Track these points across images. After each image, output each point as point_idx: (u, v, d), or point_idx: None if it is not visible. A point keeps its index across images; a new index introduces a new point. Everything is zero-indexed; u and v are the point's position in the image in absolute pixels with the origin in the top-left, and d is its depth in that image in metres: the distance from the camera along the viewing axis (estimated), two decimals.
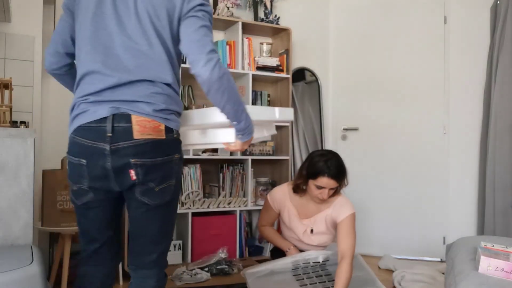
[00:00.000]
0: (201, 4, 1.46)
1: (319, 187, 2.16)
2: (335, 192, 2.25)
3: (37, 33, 2.78)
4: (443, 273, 2.94)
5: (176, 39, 1.49)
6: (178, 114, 1.51)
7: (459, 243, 2.13)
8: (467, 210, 3.67)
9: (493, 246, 1.81)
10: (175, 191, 1.51)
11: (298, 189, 2.28)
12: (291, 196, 2.32)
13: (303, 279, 2.06)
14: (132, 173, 1.40)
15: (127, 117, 1.38)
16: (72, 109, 1.46)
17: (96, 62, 1.42)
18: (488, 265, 1.59)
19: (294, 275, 2.08)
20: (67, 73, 1.60)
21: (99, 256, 1.56)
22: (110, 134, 1.37)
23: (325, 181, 2.14)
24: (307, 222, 2.28)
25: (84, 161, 1.41)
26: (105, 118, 1.38)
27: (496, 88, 3.47)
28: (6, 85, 2.20)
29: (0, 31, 2.68)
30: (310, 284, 2.03)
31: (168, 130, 1.44)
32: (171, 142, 1.46)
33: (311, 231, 2.28)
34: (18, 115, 2.61)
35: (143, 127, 1.39)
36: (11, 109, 2.13)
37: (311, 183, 2.19)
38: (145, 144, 1.39)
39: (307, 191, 2.25)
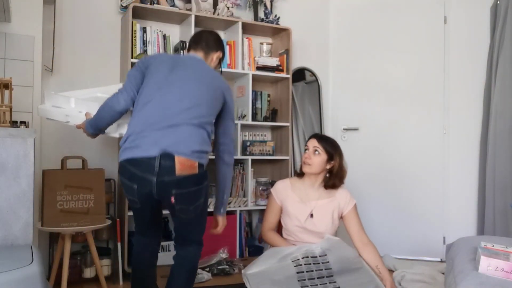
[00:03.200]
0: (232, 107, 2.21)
1: (306, 150, 2.41)
2: (330, 174, 2.38)
3: (37, 33, 2.78)
4: (443, 273, 2.94)
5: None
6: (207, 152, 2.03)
7: (459, 243, 2.13)
8: (467, 210, 3.67)
9: (493, 246, 1.81)
10: (204, 204, 2.04)
11: (300, 172, 2.48)
12: (292, 187, 2.45)
13: (305, 279, 2.05)
14: (172, 199, 1.91)
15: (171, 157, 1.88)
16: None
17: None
18: (488, 265, 1.60)
19: (297, 272, 2.08)
20: None
21: (148, 233, 2.17)
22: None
23: (309, 141, 2.40)
24: (308, 205, 2.38)
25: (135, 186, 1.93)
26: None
27: (496, 88, 3.47)
28: (6, 85, 2.19)
29: (0, 31, 2.68)
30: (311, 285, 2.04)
31: (200, 165, 1.94)
32: (202, 174, 1.96)
33: (311, 215, 2.36)
34: (18, 115, 2.60)
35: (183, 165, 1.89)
36: (11, 109, 2.13)
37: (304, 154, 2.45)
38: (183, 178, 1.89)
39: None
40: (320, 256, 2.16)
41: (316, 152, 2.36)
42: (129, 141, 1.94)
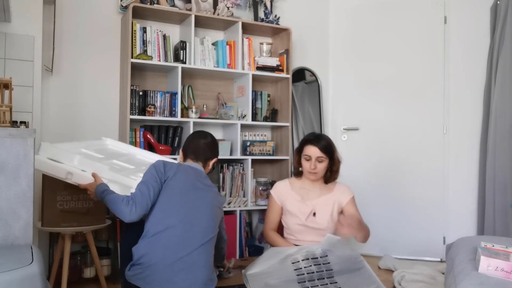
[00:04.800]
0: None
1: (307, 159, 2.37)
2: (331, 172, 2.41)
3: (37, 33, 2.78)
4: (443, 273, 2.94)
5: None
6: None
7: (459, 243, 2.13)
8: (467, 210, 3.67)
9: (493, 246, 1.81)
10: None
11: (297, 172, 2.49)
12: (292, 186, 2.48)
13: (305, 281, 2.06)
14: None
15: None
16: None
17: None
18: (488, 265, 1.60)
19: (297, 275, 2.08)
20: None
21: None
22: None
23: (309, 149, 2.36)
24: (309, 204, 2.41)
25: None
26: None
27: (496, 88, 3.47)
28: (6, 85, 2.19)
29: (0, 31, 2.68)
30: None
31: None
32: None
33: (314, 214, 2.39)
34: (18, 115, 2.60)
35: None
36: (11, 109, 2.13)
37: (302, 159, 2.40)
38: None
39: (303, 174, 2.46)
40: (321, 257, 2.16)
41: (321, 161, 2.38)
42: (143, 268, 1.92)
